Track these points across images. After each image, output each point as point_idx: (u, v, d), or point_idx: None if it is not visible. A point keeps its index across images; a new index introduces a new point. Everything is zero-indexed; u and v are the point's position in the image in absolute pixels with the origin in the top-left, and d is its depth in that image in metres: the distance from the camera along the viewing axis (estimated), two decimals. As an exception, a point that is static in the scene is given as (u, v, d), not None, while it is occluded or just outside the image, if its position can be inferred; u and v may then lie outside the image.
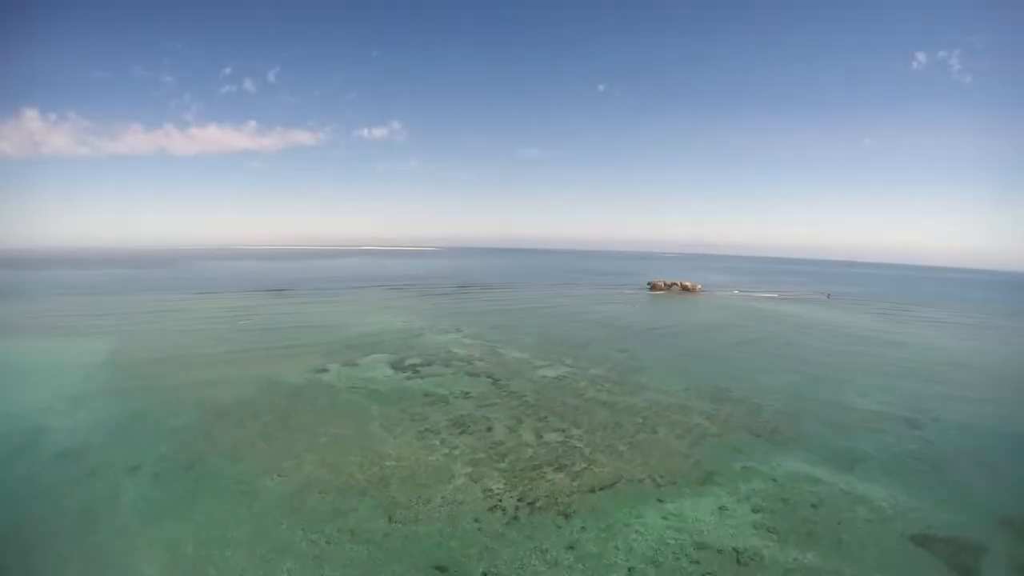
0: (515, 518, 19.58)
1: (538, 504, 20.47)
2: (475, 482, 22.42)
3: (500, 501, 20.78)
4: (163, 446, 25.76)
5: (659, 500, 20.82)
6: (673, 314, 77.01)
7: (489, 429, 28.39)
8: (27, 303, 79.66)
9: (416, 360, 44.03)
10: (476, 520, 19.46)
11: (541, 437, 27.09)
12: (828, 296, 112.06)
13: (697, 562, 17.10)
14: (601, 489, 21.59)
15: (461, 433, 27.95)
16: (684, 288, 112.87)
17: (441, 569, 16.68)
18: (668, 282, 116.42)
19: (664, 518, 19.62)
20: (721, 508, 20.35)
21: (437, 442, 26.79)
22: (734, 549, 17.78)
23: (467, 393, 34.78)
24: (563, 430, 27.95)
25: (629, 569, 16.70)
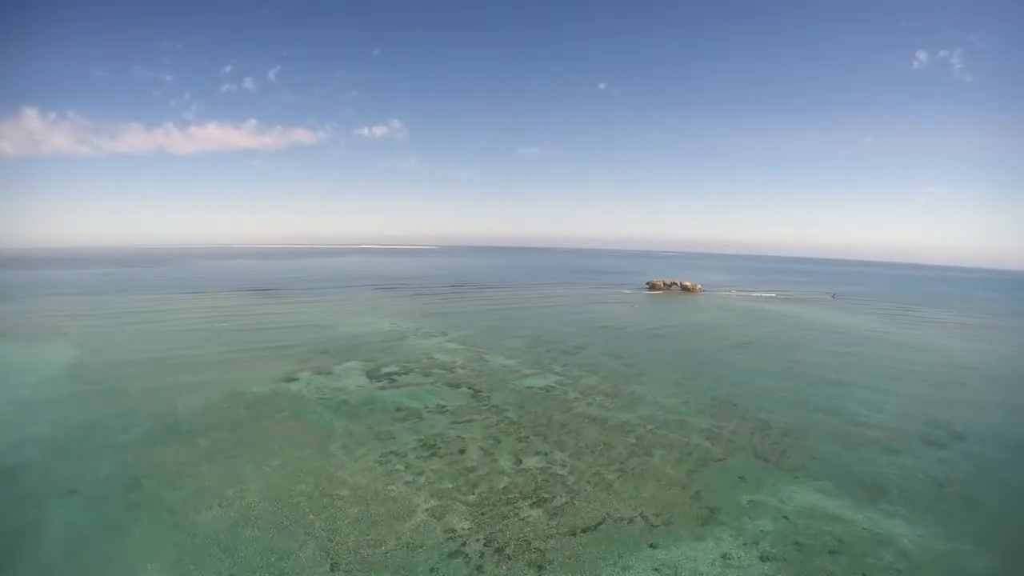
0: (479, 568, 16.45)
1: (507, 550, 17.30)
2: (438, 519, 19.27)
3: (464, 545, 17.63)
4: (106, 465, 23.47)
5: (651, 546, 17.62)
6: (672, 315, 73.76)
7: (462, 451, 25.22)
8: (7, 304, 76.87)
9: (394, 368, 40.94)
10: (432, 571, 16.34)
11: (519, 462, 23.90)
12: (833, 296, 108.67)
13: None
14: (583, 531, 18.39)
15: (430, 456, 24.80)
16: (684, 288, 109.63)
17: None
18: (668, 282, 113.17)
19: (656, 570, 16.46)
20: (724, 556, 17.16)
21: (401, 467, 23.66)
22: (741, 616, 14.62)
23: (443, 407, 31.63)
24: (545, 453, 24.76)
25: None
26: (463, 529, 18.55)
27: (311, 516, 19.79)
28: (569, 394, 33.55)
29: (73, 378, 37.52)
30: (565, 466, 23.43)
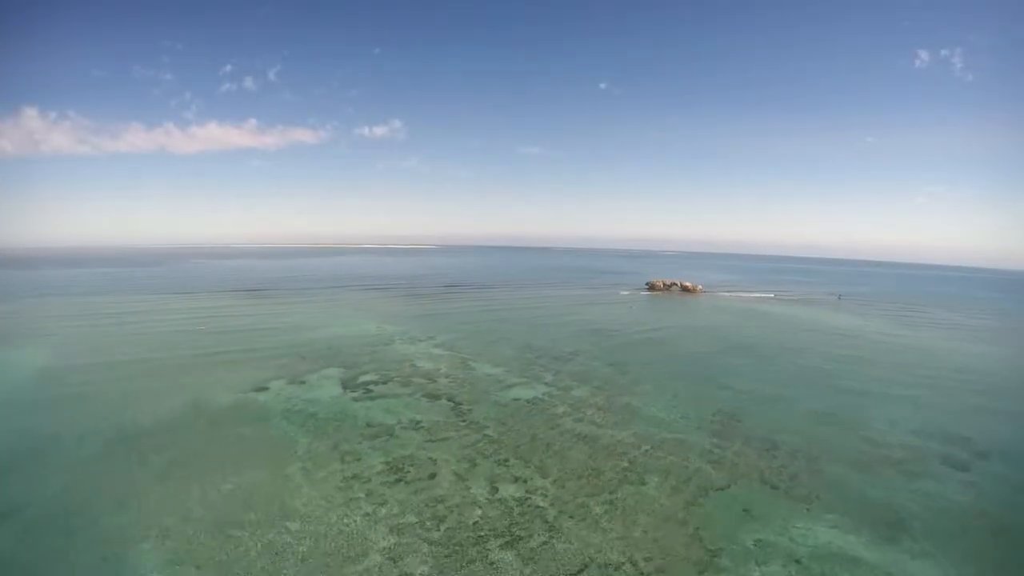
0: (435, 632, 13.76)
1: (470, 608, 14.63)
2: (394, 563, 16.61)
3: (420, 600, 14.96)
4: (54, 484, 21.73)
5: (641, 603, 14.94)
6: (671, 318, 70.96)
7: (432, 477, 22.53)
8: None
9: (372, 376, 38.28)
10: (378, 636, 13.67)
11: (495, 490, 21.19)
12: (839, 298, 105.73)
13: None
14: (561, 582, 15.71)
15: (396, 482, 22.12)
16: (684, 289, 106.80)
17: None
18: (667, 282, 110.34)
19: (646, 635, 13.76)
20: (728, 616, 14.46)
21: (362, 495, 21.02)
22: None
23: (418, 423, 28.95)
24: (525, 480, 22.04)
25: None
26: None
27: (253, 555, 17.24)
28: (557, 407, 30.81)
29: (40, 384, 36.21)
30: (546, 496, 20.71)
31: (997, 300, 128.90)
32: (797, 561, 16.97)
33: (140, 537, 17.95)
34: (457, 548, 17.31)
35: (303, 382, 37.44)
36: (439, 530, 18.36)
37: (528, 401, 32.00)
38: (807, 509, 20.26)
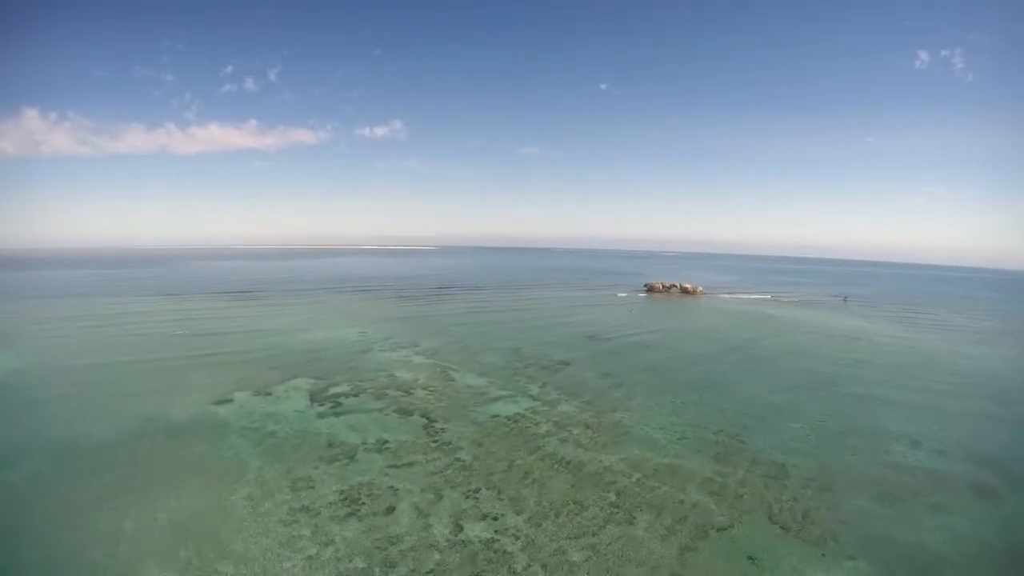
0: None
1: None
2: (328, 631, 13.64)
3: None
4: None
5: None
6: (671, 322, 67.93)
7: (390, 510, 19.58)
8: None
9: (344, 388, 35.41)
10: None
11: (460, 529, 18.21)
12: (844, 300, 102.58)
13: None
14: (525, 663, 12.74)
15: (348, 516, 19.19)
16: (684, 290, 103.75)
17: None
18: (667, 284, 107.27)
19: None
20: None
21: (308, 532, 18.10)
22: None
23: (384, 443, 26.03)
24: (496, 517, 19.05)
25: None
26: (354, 655, 12.92)
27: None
28: (541, 426, 27.79)
29: (-2, 392, 34.21)
30: (518, 538, 17.71)
31: (999, 301, 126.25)
32: (815, 629, 13.99)
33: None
34: (404, 611, 14.36)
35: (269, 393, 34.74)
36: (386, 584, 15.42)
37: (509, 418, 28.99)
38: (822, 555, 17.26)
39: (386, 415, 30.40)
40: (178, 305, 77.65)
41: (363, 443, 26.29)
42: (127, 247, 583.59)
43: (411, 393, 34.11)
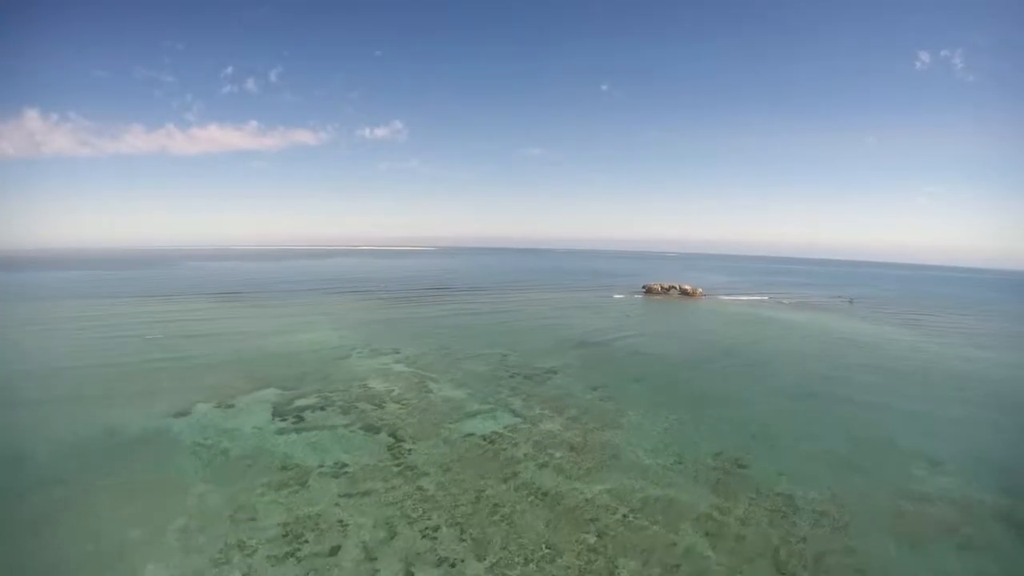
0: None
1: None
2: None
3: None
4: None
5: None
6: (669, 326, 64.98)
7: (334, 551, 16.77)
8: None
9: (312, 400, 32.61)
10: None
11: (409, 582, 15.34)
12: (850, 302, 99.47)
13: None
14: None
15: (286, 556, 16.45)
16: (683, 292, 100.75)
17: None
18: (666, 286, 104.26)
19: None
20: None
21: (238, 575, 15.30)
22: None
23: (342, 467, 23.20)
24: (454, 563, 16.16)
25: None
26: None
27: None
28: (519, 447, 24.86)
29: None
30: (478, 595, 14.84)
31: (1004, 302, 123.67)
32: None
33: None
34: None
35: (232, 405, 32.12)
36: (307, 663, 12.53)
37: (485, 438, 26.06)
38: (844, 617, 14.35)
39: (351, 432, 27.59)
40: (162, 307, 75.65)
41: (319, 466, 23.52)
42: (127, 248, 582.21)
43: (382, 407, 31.25)
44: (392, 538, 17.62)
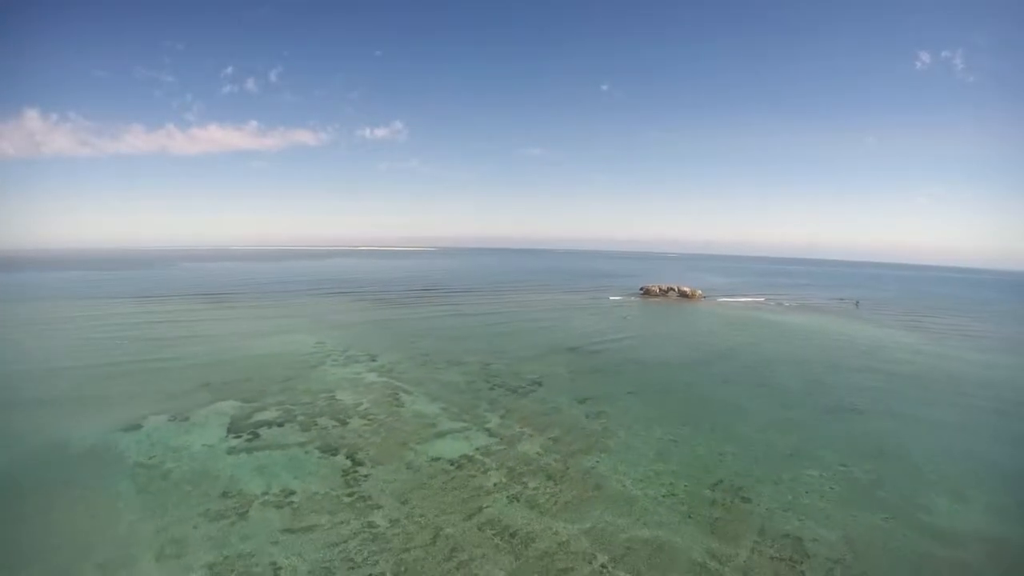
0: None
1: None
2: None
3: None
4: None
5: None
6: (666, 331, 62.03)
7: (249, 618, 13.83)
8: None
9: (273, 413, 29.80)
10: None
11: (331, 664, 12.39)
12: (856, 304, 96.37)
13: None
14: None
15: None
16: (682, 294, 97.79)
17: None
18: (664, 287, 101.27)
19: None
20: None
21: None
22: None
23: (289, 495, 20.35)
24: (391, 636, 13.24)
25: None
26: None
27: None
28: (490, 475, 21.87)
29: None
30: None
31: (1010, 303, 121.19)
32: None
33: None
34: None
35: (187, 418, 29.49)
36: None
37: (453, 462, 23.09)
38: None
39: (306, 453, 24.71)
40: (144, 308, 73.43)
41: (264, 493, 20.71)
42: (126, 248, 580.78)
43: (346, 423, 28.33)
44: (325, 594, 14.73)
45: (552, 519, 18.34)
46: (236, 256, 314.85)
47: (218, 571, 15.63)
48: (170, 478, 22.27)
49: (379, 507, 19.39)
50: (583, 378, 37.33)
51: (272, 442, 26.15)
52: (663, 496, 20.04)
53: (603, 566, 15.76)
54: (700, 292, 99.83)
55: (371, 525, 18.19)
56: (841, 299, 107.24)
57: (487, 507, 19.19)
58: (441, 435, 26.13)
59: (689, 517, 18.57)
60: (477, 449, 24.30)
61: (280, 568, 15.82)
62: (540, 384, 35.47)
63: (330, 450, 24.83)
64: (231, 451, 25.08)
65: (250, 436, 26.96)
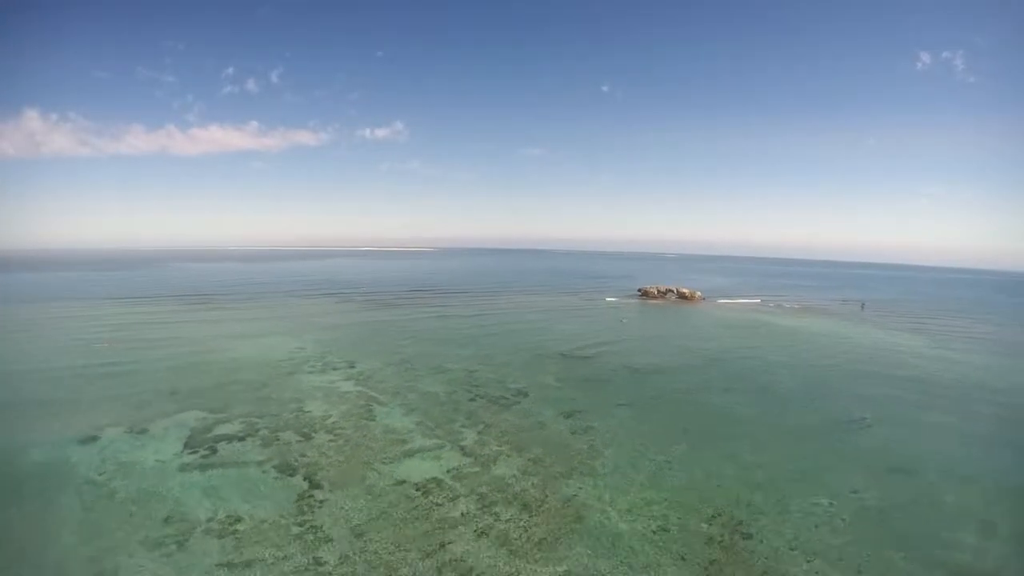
0: None
1: None
2: None
3: None
4: None
5: None
6: (663, 335, 59.62)
7: None
8: None
9: (235, 426, 27.59)
10: None
11: None
12: (862, 307, 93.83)
13: None
14: None
15: None
16: (681, 296, 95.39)
17: None
18: (663, 289, 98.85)
19: None
20: None
21: None
22: None
23: (235, 522, 18.15)
24: None
25: None
26: None
27: None
28: (459, 504, 19.45)
29: None
30: None
31: (1016, 305, 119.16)
32: None
33: None
34: None
35: (145, 431, 27.50)
36: None
37: (419, 486, 20.69)
38: None
39: (262, 473, 22.42)
40: (128, 309, 71.41)
41: (209, 519, 18.53)
42: (125, 249, 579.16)
43: (310, 438, 25.96)
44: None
45: (523, 560, 15.92)
46: (234, 257, 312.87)
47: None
48: (116, 497, 20.40)
49: (330, 540, 17.02)
50: (572, 388, 34.90)
51: (228, 459, 23.90)
52: (653, 532, 17.61)
53: (578, 624, 13.35)
54: (699, 294, 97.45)
55: (317, 562, 15.85)
56: (844, 300, 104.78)
57: (451, 543, 16.79)
58: (410, 454, 23.72)
59: (683, 559, 16.12)
60: (448, 471, 21.89)
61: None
62: (525, 394, 33.04)
63: (288, 470, 22.49)
64: (183, 469, 22.93)
65: (207, 452, 24.75)
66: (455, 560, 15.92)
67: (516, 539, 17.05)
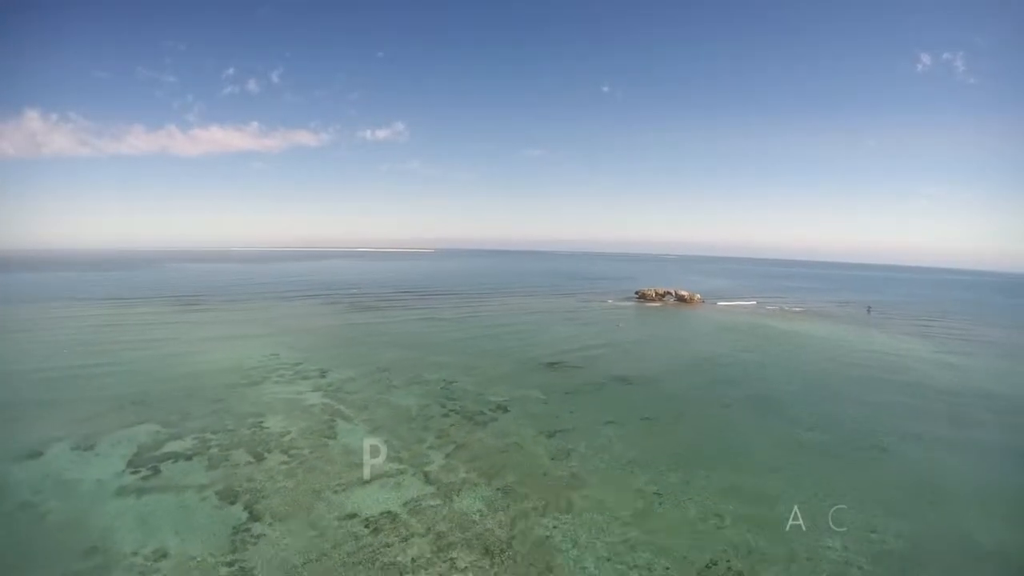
0: None
1: None
2: None
3: None
4: None
5: None
6: (659, 341, 56.92)
7: None
8: None
9: (185, 444, 25.13)
10: None
11: None
12: (868, 310, 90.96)
13: None
14: None
15: None
16: (680, 298, 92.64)
17: None
18: (660, 291, 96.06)
19: None
20: None
21: None
22: None
23: (160, 558, 15.84)
24: None
25: None
26: None
27: None
28: (411, 545, 16.77)
29: None
30: None
31: (1018, 306, 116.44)
32: None
33: None
34: None
35: (92, 446, 25.37)
36: None
37: (370, 522, 17.99)
38: None
39: (201, 500, 19.87)
40: (109, 310, 69.06)
41: (134, 553, 16.27)
42: (124, 249, 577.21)
43: (262, 460, 23.34)
44: None
45: (478, 626, 13.24)
46: (232, 257, 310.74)
47: None
48: (45, 523, 18.13)
49: (253, 595, 14.38)
50: (557, 402, 32.13)
51: (170, 482, 21.45)
52: (639, 567, 14.90)
53: None
54: (699, 296, 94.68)
55: (230, 628, 13.19)
56: (846, 303, 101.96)
57: (393, 602, 14.11)
58: (366, 482, 21.03)
59: (668, 623, 13.42)
60: (405, 504, 19.19)
61: None
62: (505, 409, 30.28)
63: (230, 497, 19.90)
64: (120, 492, 20.64)
65: (149, 472, 22.39)
66: (396, 625, 13.24)
67: (472, 595, 14.36)
